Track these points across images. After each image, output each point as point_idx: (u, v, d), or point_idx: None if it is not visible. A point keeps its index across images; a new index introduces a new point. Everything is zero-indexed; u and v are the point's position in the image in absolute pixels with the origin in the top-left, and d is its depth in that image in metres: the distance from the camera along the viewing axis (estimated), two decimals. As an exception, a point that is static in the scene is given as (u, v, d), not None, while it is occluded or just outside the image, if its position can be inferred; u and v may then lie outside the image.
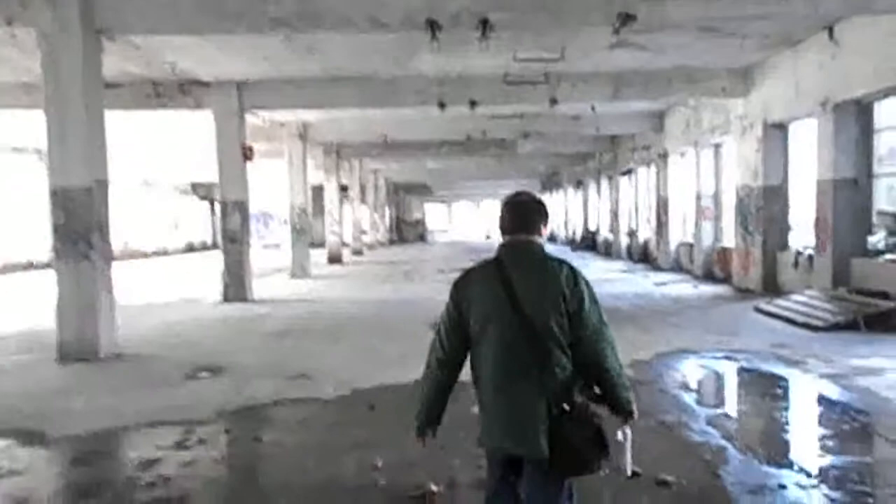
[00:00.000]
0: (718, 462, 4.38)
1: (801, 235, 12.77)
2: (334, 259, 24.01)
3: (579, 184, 32.55)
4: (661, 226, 19.18)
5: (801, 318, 9.34)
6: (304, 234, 19.10)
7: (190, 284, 17.61)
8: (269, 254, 30.18)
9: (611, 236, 25.46)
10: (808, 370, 6.76)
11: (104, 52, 8.49)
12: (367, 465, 4.46)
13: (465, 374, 7.12)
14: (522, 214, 2.67)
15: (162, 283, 18.55)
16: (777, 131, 12.86)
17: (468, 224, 69.38)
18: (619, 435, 2.65)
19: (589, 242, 29.17)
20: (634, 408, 2.65)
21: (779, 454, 4.55)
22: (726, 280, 14.49)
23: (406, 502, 3.97)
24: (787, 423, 5.33)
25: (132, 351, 8.57)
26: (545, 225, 2.69)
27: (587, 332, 2.53)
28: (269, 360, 8.05)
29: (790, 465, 4.31)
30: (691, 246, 17.11)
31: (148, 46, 10.93)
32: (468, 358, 2.75)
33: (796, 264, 11.92)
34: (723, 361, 7.36)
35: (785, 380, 6.61)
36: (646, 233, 21.62)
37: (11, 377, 7.54)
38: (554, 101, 13.66)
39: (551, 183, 40.74)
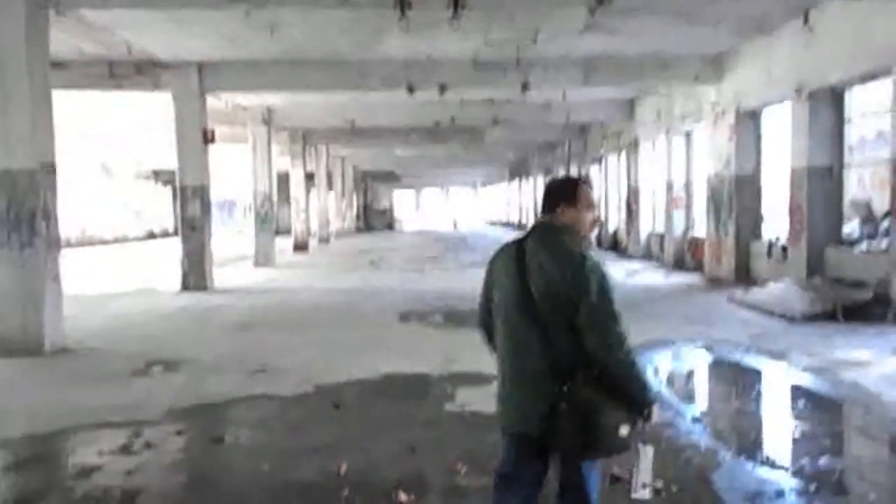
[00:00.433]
0: (710, 465, 4.11)
1: (773, 224, 12.70)
2: (300, 247, 23.50)
3: (548, 172, 32.36)
4: (632, 214, 19.05)
5: (777, 309, 9.19)
6: (269, 222, 18.56)
7: (149, 273, 16.95)
8: (232, 241, 29.46)
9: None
10: (792, 363, 6.56)
11: (54, 27, 7.97)
12: (330, 472, 4.10)
13: (435, 368, 6.77)
14: (546, 195, 2.69)
15: (119, 272, 17.82)
16: (750, 119, 12.72)
17: (436, 212, 69.17)
18: (639, 446, 2.53)
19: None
20: (651, 409, 2.48)
21: (773, 456, 4.29)
22: (698, 269, 14.38)
23: (373, 514, 3.62)
24: (777, 422, 5.09)
25: (81, 344, 8.05)
26: (571, 203, 2.61)
27: (588, 323, 2.42)
28: (228, 354, 7.61)
29: (786, 469, 4.06)
30: (662, 235, 17.00)
31: (101, 23, 10.30)
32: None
33: (770, 253, 11.81)
34: (704, 354, 7.14)
35: (770, 374, 6.41)
36: (616, 221, 21.50)
37: (-55, 374, 6.99)
38: (525, 87, 13.34)
39: (520, 171, 40.54)
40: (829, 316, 8.59)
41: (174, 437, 4.91)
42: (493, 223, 51.64)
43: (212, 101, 14.09)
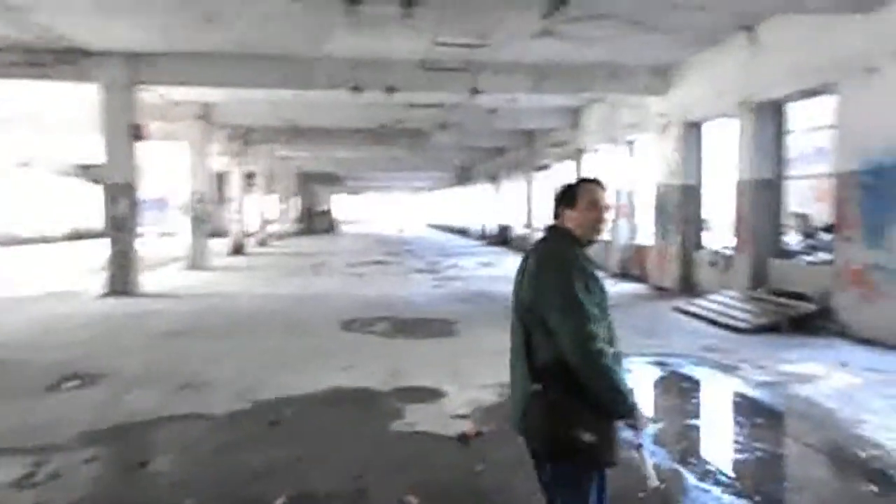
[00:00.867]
0: (675, 492, 3.87)
1: (716, 235, 12.80)
2: (237, 250, 22.69)
3: (493, 178, 32.31)
4: (576, 223, 19.01)
5: (723, 320, 9.16)
6: (204, 223, 17.75)
7: (71, 275, 15.93)
8: (164, 242, 28.24)
9: (525, 232, 25.29)
10: (747, 379, 6.44)
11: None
12: (266, 505, 3.67)
13: (382, 382, 6.36)
14: (553, 201, 2.72)
15: (38, 274, 16.71)
16: (696, 131, 12.81)
17: (380, 216, 68.54)
18: (634, 452, 2.59)
19: (502, 238, 28.97)
20: (631, 412, 2.45)
21: (742, 481, 4.08)
22: (642, 279, 14.40)
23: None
24: (738, 444, 4.87)
25: (-12, 355, 7.33)
26: (569, 206, 2.64)
27: (557, 325, 2.44)
28: (154, 366, 7.03)
29: (756, 497, 3.85)
30: (607, 243, 17.01)
31: (19, 5, 9.51)
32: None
33: (714, 264, 11.87)
34: (656, 368, 6.96)
35: (725, 391, 6.26)
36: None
37: None
38: (475, 91, 13.09)
39: (465, 177, 40.39)
40: (775, 327, 8.60)
41: (86, 464, 4.37)
42: (438, 228, 51.39)
43: (144, 95, 13.29)
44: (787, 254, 10.52)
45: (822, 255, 9.85)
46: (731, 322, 8.99)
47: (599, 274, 2.59)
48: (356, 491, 3.93)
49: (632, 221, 15.93)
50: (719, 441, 4.99)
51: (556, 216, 2.68)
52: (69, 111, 17.45)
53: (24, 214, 30.25)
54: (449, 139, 22.87)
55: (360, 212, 70.79)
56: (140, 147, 12.92)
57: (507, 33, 10.92)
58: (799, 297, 9.19)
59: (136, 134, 12.70)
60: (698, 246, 12.78)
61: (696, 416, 5.69)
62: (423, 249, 26.89)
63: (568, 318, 2.40)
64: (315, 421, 5.31)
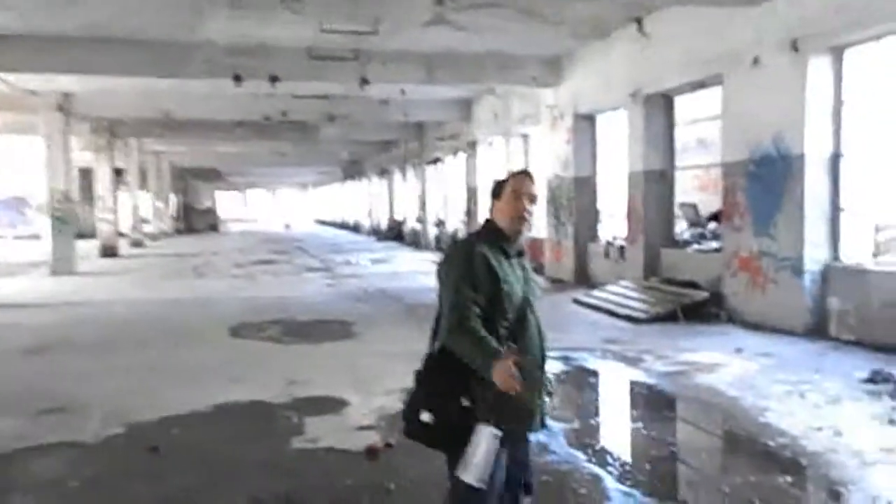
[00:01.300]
0: (598, 499, 3.67)
1: (610, 226, 13.04)
2: (108, 252, 20.95)
3: (384, 172, 31.86)
4: (471, 215, 18.98)
5: (621, 310, 9.27)
6: (69, 224, 16.20)
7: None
8: (24, 246, 25.79)
9: (419, 226, 25.04)
10: (649, 370, 6.45)
11: None
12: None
13: (278, 394, 5.83)
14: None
15: None
16: (587, 123, 12.97)
17: (265, 213, 66.21)
18: (479, 426, 2.39)
19: (395, 233, 28.59)
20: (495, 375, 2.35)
21: (665, 486, 3.95)
22: (538, 271, 14.47)
23: None
24: (654, 438, 4.78)
25: None
26: (496, 198, 2.68)
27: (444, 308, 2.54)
28: (11, 388, 6.17)
29: (676, 500, 3.72)
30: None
31: None
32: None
33: (607, 255, 12.07)
34: (560, 363, 6.85)
35: (632, 384, 6.23)
36: (455, 223, 21.41)
37: None
38: (365, 81, 12.61)
39: (353, 171, 39.67)
40: (670, 316, 8.77)
41: (-81, 518, 3.64)
42: (327, 224, 50.28)
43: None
44: (678, 243, 10.83)
45: (711, 244, 10.20)
46: (629, 312, 9.10)
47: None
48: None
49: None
50: (634, 438, 4.89)
51: (490, 210, 2.70)
52: None
53: None
54: (337, 132, 22.23)
55: (245, 209, 68.13)
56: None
57: (397, 21, 10.56)
58: (691, 285, 9.45)
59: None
60: (593, 238, 12.97)
61: (608, 412, 5.60)
62: (314, 247, 26.05)
63: (450, 310, 2.47)
64: (203, 443, 4.75)
